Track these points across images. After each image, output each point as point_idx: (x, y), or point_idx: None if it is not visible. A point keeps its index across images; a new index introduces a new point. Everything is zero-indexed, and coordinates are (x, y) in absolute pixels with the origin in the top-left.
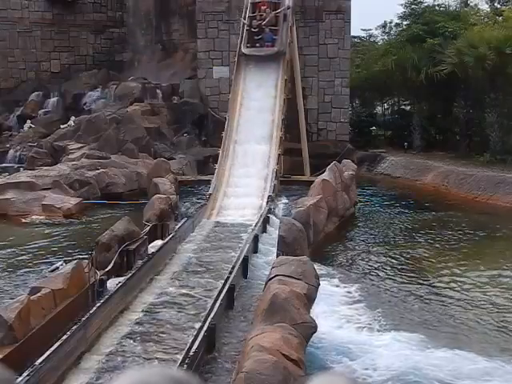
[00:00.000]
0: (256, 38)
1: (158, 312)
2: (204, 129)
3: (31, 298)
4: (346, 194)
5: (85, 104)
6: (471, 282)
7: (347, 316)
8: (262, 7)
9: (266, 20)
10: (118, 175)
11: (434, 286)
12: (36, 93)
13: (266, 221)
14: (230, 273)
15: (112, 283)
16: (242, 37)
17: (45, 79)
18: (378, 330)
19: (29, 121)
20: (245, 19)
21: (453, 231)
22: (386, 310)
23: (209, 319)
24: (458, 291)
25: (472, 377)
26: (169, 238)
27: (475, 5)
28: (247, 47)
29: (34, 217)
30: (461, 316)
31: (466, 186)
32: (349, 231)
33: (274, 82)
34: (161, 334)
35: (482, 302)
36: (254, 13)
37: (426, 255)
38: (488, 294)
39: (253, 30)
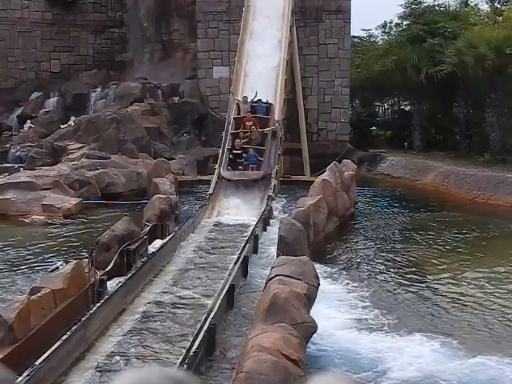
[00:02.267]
0: (239, 160)
1: (157, 313)
2: (204, 129)
3: (31, 297)
4: (345, 194)
5: (89, 106)
6: (476, 282)
7: (350, 317)
8: (248, 123)
9: (251, 140)
10: (117, 175)
11: (437, 286)
12: (36, 93)
13: (265, 221)
14: (230, 273)
15: (112, 283)
16: (223, 158)
17: (45, 79)
18: (389, 333)
19: (29, 121)
20: (227, 138)
21: (452, 231)
22: (391, 311)
23: (209, 319)
24: (462, 291)
25: None
26: (169, 238)
27: (475, 5)
28: (227, 170)
29: (33, 217)
30: (477, 318)
31: (466, 186)
32: (349, 231)
33: (257, 203)
34: (158, 335)
35: (494, 303)
36: (237, 129)
37: (427, 255)
38: (498, 294)
39: (235, 151)
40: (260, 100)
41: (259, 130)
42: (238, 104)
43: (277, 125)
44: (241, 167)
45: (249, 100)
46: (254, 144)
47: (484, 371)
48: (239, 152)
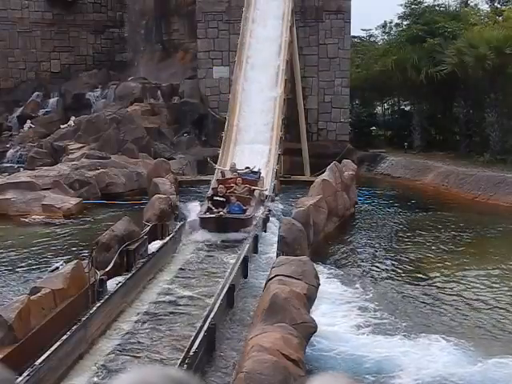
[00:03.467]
0: (219, 210)
1: (157, 312)
2: (204, 129)
3: (31, 297)
4: (345, 194)
5: (89, 106)
6: (479, 281)
7: (351, 318)
8: (233, 184)
9: (235, 190)
10: (117, 175)
11: (440, 287)
12: (36, 93)
13: (265, 220)
14: (230, 273)
15: (112, 283)
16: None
17: (45, 79)
18: (402, 335)
19: (29, 121)
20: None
21: (453, 231)
22: (399, 312)
23: (209, 319)
24: (466, 291)
25: None
26: (168, 238)
27: (475, 5)
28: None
29: (34, 217)
30: (485, 318)
31: (466, 186)
32: (349, 231)
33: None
34: (159, 333)
35: (500, 303)
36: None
37: (427, 255)
38: (502, 293)
39: (215, 198)
40: (248, 168)
41: (246, 185)
42: (222, 172)
43: (264, 193)
44: (222, 214)
45: (238, 168)
46: (239, 195)
47: (506, 371)
48: (221, 199)
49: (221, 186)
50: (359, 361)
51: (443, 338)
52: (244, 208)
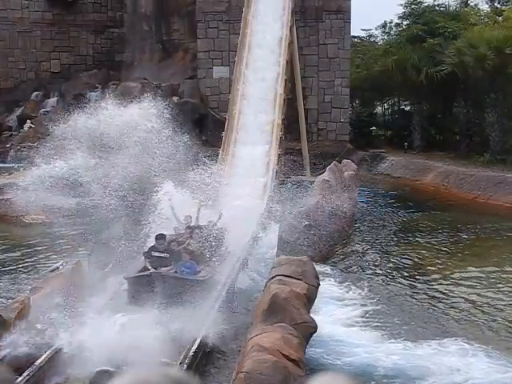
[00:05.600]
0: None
1: None
2: (204, 129)
3: (31, 298)
4: (346, 194)
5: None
6: (482, 283)
7: (353, 319)
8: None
9: (189, 245)
10: None
11: (440, 288)
12: (36, 93)
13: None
14: (230, 273)
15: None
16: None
17: (45, 79)
18: (418, 341)
19: (29, 121)
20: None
21: (453, 232)
22: (406, 315)
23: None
24: (471, 293)
25: None
26: None
27: (475, 5)
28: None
29: (33, 217)
30: (497, 321)
31: (466, 186)
32: (349, 231)
33: None
34: None
35: (506, 304)
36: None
37: (427, 255)
38: (503, 294)
39: (155, 253)
40: (210, 221)
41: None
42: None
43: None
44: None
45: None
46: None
47: None
48: (163, 256)
49: (160, 241)
50: (375, 367)
51: (466, 342)
52: (197, 268)
